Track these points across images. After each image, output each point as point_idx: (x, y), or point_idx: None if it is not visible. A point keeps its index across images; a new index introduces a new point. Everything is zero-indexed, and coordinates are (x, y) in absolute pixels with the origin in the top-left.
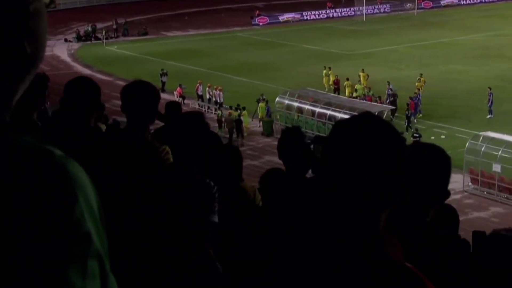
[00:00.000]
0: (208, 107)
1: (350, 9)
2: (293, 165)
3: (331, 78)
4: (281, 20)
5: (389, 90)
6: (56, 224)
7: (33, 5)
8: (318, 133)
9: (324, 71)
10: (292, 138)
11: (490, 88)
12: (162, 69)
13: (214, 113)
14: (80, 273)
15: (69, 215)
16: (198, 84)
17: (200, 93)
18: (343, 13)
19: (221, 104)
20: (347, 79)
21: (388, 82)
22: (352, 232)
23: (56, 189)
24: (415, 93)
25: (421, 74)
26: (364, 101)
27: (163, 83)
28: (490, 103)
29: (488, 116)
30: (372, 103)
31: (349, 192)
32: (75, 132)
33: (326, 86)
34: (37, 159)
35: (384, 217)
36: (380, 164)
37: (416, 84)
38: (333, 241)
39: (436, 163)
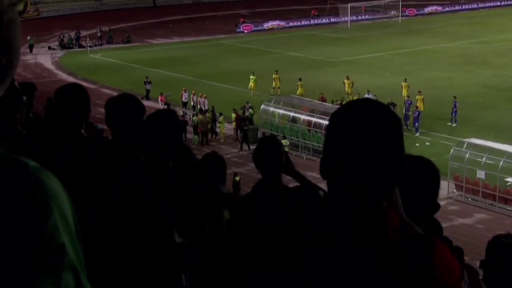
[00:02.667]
0: (193, 114)
1: (334, 17)
2: (269, 173)
3: (277, 83)
4: (266, 28)
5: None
6: (30, 236)
7: (7, 14)
8: (303, 141)
9: (251, 77)
10: (268, 147)
11: (455, 97)
12: (146, 77)
13: (189, 118)
14: (54, 285)
15: (43, 227)
16: (182, 91)
17: (184, 100)
18: (327, 21)
19: (205, 111)
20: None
21: (368, 91)
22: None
23: (30, 201)
24: (416, 107)
25: (420, 92)
26: None
27: (148, 91)
28: (454, 111)
29: (450, 124)
30: None
31: (355, 174)
32: (67, 140)
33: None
34: (9, 171)
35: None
36: (382, 144)
37: (417, 97)
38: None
39: (425, 176)
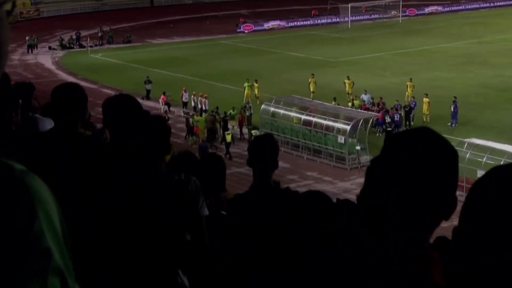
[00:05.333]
0: (192, 115)
1: (335, 17)
2: (262, 172)
3: (313, 87)
4: (267, 28)
5: (367, 98)
6: (15, 240)
7: None
8: (303, 141)
9: (246, 84)
10: (264, 145)
11: (455, 97)
12: (147, 77)
13: (184, 116)
14: None
15: (28, 230)
16: (182, 91)
17: (185, 100)
18: (328, 21)
19: (205, 111)
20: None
21: (365, 90)
22: (399, 250)
23: (15, 204)
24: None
25: (427, 94)
26: (350, 108)
27: (148, 91)
28: (454, 112)
29: (451, 125)
30: (359, 110)
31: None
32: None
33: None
34: None
35: (430, 234)
36: (434, 179)
37: (424, 99)
38: (380, 257)
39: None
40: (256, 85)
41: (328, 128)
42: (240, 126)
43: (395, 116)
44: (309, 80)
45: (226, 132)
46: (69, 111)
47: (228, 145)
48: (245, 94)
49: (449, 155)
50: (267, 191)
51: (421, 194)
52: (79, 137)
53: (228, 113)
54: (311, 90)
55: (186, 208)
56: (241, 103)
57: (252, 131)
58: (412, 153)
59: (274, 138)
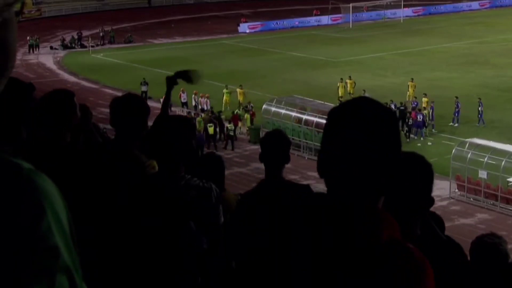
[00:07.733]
0: (188, 112)
1: (336, 17)
2: (273, 167)
3: (342, 92)
4: (268, 28)
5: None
6: (22, 238)
7: (3, 15)
8: (305, 141)
9: (225, 91)
10: (275, 141)
11: (457, 97)
12: (143, 78)
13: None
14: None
15: (36, 228)
16: (180, 92)
17: (183, 100)
18: (329, 21)
19: (206, 111)
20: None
21: (364, 90)
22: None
23: (23, 202)
24: (424, 107)
25: (425, 94)
26: None
27: (143, 92)
28: (456, 112)
29: (452, 124)
30: None
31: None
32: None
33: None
34: (3, 172)
35: (382, 198)
36: (378, 140)
37: (423, 99)
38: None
39: (418, 171)
40: (240, 90)
41: None
42: (251, 123)
43: (418, 117)
44: (338, 84)
45: (209, 125)
46: (59, 119)
47: (211, 136)
48: (223, 101)
49: (390, 117)
50: (278, 184)
51: (369, 157)
52: (63, 147)
53: (235, 112)
54: (340, 94)
55: (207, 216)
56: (220, 108)
57: (228, 125)
58: (353, 121)
59: (284, 133)
